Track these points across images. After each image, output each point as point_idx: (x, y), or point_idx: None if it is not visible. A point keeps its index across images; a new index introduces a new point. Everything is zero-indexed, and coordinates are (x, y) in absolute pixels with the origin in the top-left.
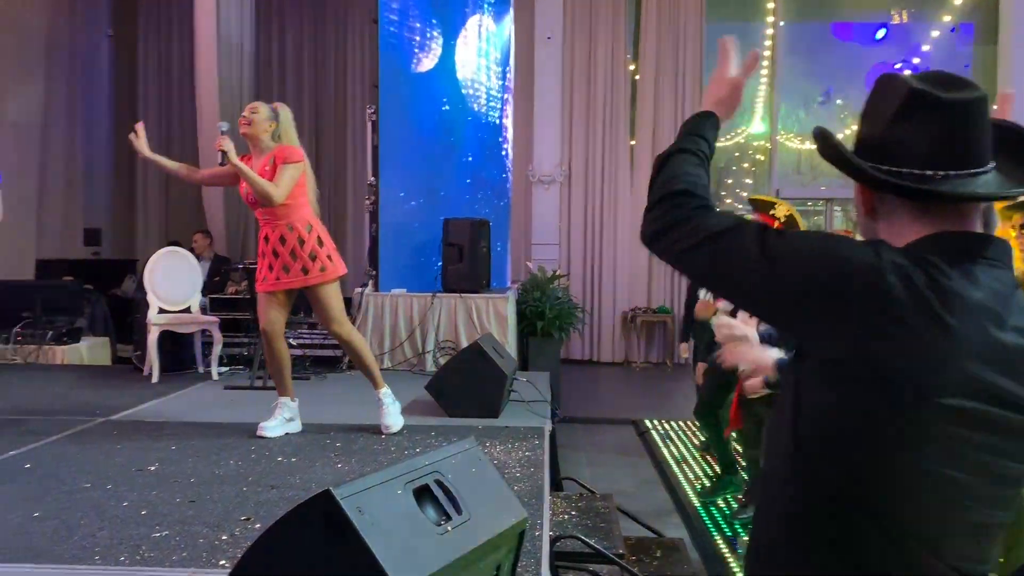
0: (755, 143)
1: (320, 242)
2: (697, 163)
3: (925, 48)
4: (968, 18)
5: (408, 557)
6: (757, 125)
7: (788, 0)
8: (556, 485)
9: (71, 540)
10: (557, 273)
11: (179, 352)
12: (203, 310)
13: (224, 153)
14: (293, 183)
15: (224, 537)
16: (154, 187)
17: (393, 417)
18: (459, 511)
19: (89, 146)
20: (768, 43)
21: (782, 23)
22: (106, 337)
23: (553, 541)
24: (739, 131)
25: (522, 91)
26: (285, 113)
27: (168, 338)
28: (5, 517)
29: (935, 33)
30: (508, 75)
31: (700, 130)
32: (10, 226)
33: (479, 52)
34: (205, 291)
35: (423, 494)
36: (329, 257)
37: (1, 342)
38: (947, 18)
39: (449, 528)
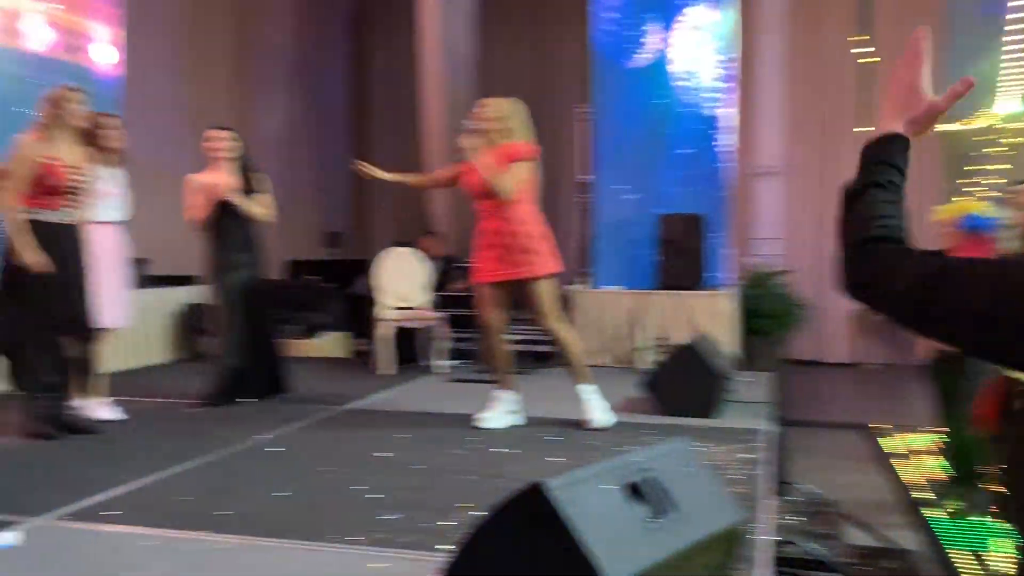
0: (1005, 124)
1: (537, 237)
2: (890, 199)
3: None
4: None
5: (619, 550)
6: (1008, 105)
7: None
8: (779, 489)
9: (312, 518)
10: (779, 269)
11: (408, 347)
12: (431, 307)
13: (468, 150)
14: (523, 180)
15: (449, 523)
16: (387, 192)
17: (597, 412)
18: (671, 508)
19: (330, 156)
20: (1018, 15)
21: None
22: (344, 332)
23: (778, 545)
24: (983, 113)
25: (743, 80)
26: (517, 108)
27: (398, 333)
28: (255, 494)
29: None
30: (728, 65)
31: (890, 158)
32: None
33: (697, 43)
34: (433, 289)
35: (634, 490)
36: (545, 252)
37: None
38: None
39: (661, 525)
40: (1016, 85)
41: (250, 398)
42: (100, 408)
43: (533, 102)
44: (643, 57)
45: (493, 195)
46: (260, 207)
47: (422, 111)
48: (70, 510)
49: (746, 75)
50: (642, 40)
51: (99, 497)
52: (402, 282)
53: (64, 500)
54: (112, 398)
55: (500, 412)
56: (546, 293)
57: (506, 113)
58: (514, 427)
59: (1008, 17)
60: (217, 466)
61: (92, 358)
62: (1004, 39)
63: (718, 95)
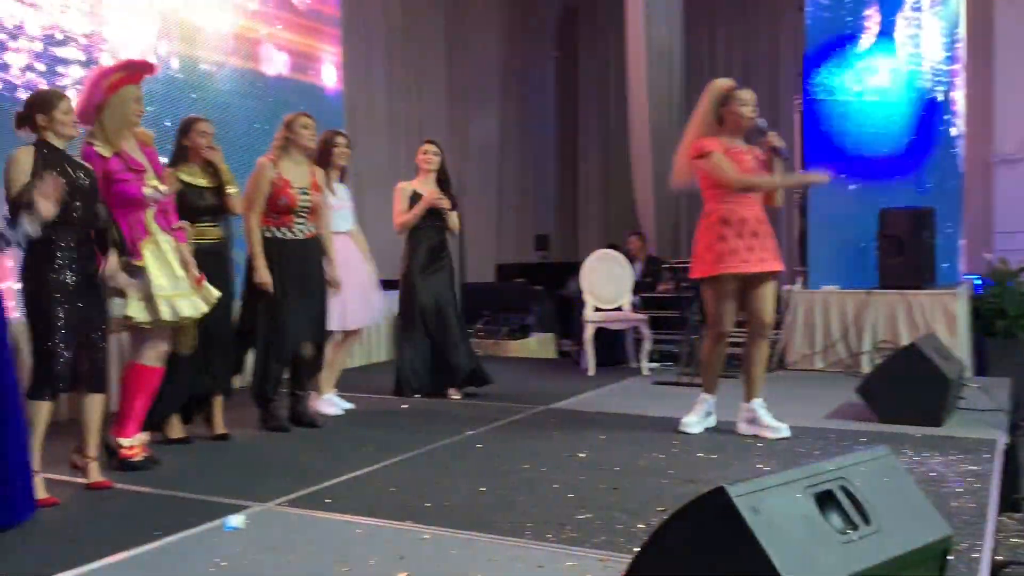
0: None
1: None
2: None
3: None
4: None
5: (806, 562)
6: None
7: None
8: (1012, 505)
9: (508, 514)
10: (1021, 265)
11: (613, 348)
12: (634, 308)
13: (776, 148)
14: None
15: (640, 525)
16: (595, 195)
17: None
18: (867, 521)
19: (538, 161)
20: None
21: None
22: (551, 333)
23: (998, 566)
24: None
25: (979, 62)
26: None
27: (603, 334)
28: (457, 489)
29: None
30: (958, 46)
31: None
32: (474, 236)
33: (922, 24)
34: (637, 290)
35: (827, 500)
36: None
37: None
38: None
39: (855, 537)
40: None
41: (435, 394)
42: (329, 403)
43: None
44: (863, 41)
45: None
46: (453, 219)
47: (629, 112)
48: (291, 497)
49: (983, 56)
50: (862, 23)
51: (317, 486)
52: (608, 284)
53: (286, 488)
54: (341, 393)
55: (701, 416)
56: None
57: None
58: (715, 432)
59: None
60: (424, 459)
61: (324, 359)
62: None
63: (947, 79)
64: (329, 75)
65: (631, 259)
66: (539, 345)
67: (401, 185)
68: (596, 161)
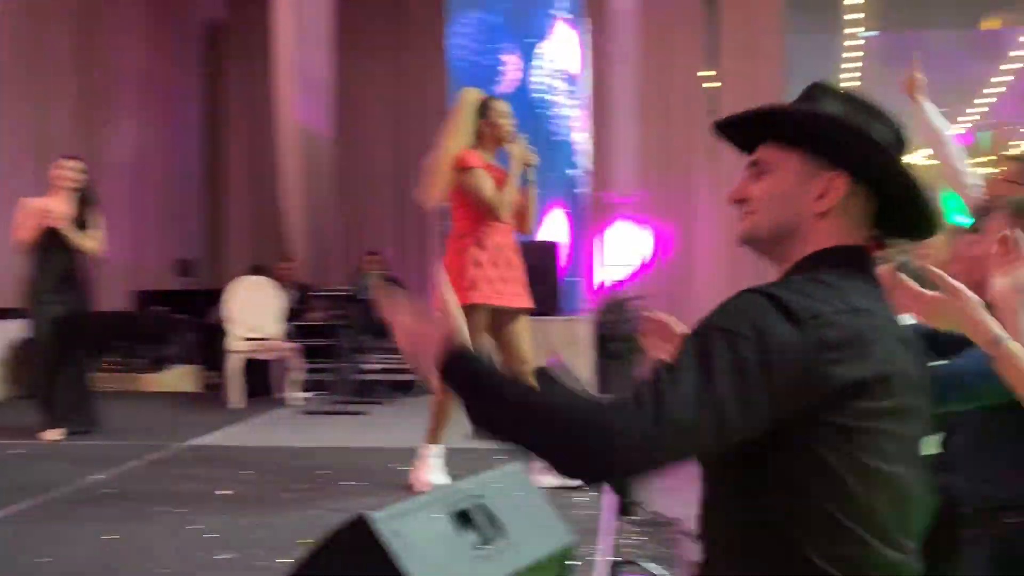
0: None
1: None
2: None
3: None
4: None
5: None
6: None
7: (875, 9)
8: (624, 510)
9: (142, 563)
10: (632, 295)
11: (261, 379)
12: (285, 337)
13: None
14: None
15: (284, 560)
16: (242, 217)
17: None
18: (501, 535)
19: (181, 181)
20: (853, 55)
21: (869, 33)
22: (195, 365)
23: (614, 567)
24: None
25: (598, 111)
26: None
27: (252, 365)
28: (83, 539)
29: None
30: (580, 95)
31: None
32: (107, 260)
33: (551, 74)
34: (288, 318)
35: (464, 518)
36: None
37: (94, 370)
38: None
39: (489, 551)
40: None
41: (62, 430)
42: None
43: (395, 128)
44: (505, 86)
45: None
46: (90, 240)
47: (278, 136)
48: None
49: (601, 107)
50: (499, 68)
51: None
52: (255, 311)
53: None
54: None
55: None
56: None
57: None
58: (359, 460)
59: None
60: (40, 510)
61: None
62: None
63: (572, 125)
64: None
65: (281, 286)
66: (181, 378)
67: (26, 200)
68: (245, 184)
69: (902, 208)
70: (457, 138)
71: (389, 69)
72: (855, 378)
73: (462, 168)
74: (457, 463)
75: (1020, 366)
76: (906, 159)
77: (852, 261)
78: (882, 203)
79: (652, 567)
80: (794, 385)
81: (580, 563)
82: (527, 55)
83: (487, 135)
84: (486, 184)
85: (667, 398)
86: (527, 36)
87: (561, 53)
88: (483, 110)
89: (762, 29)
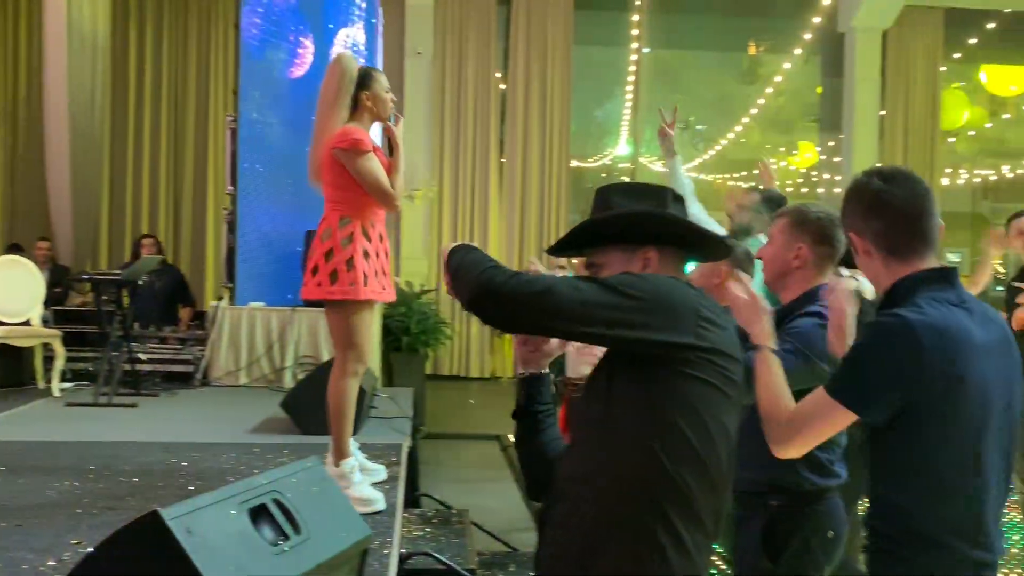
0: (620, 164)
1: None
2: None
3: (778, 79)
4: (816, 51)
5: None
6: (622, 147)
7: (653, 29)
8: (413, 502)
9: None
10: (424, 288)
11: (18, 367)
12: (45, 323)
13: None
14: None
15: (51, 563)
16: None
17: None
18: (297, 530)
19: None
20: (632, 68)
21: (646, 50)
22: None
23: (403, 558)
24: (605, 153)
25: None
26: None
27: (7, 352)
28: None
29: (787, 65)
30: None
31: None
32: None
33: (359, 58)
34: (47, 303)
35: (260, 514)
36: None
37: None
38: (798, 51)
39: (286, 548)
40: (627, 129)
41: None
42: None
43: (174, 103)
44: (299, 70)
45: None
46: None
47: (44, 103)
48: None
49: (397, 101)
50: (297, 52)
51: None
52: (12, 294)
53: None
54: None
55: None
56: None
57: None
58: (137, 455)
59: (630, 64)
60: None
61: None
62: (626, 87)
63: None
64: None
65: (41, 266)
66: None
67: None
68: (2, 150)
69: (698, 246)
70: (340, 111)
71: (167, 43)
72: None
73: (356, 150)
74: (239, 458)
75: (770, 370)
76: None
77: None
78: (685, 248)
79: (440, 558)
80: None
81: (371, 556)
82: (324, 41)
83: (367, 109)
84: (379, 169)
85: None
86: (325, 21)
87: (359, 43)
88: (365, 81)
89: (553, 37)
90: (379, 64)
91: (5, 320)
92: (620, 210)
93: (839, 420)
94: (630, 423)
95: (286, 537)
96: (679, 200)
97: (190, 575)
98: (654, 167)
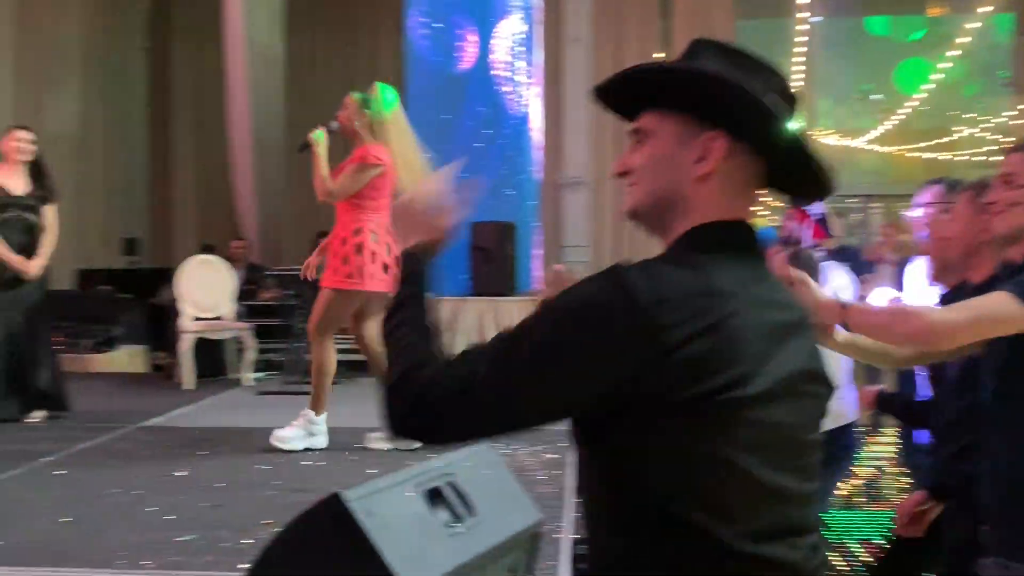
0: None
1: (359, 251)
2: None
3: (961, 40)
4: (1008, 9)
5: (418, 559)
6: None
7: None
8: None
9: (99, 544)
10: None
11: (213, 359)
12: (237, 317)
13: (306, 143)
14: (356, 184)
15: (248, 541)
16: (190, 195)
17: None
18: (472, 513)
19: (126, 158)
20: (801, 39)
21: (815, 18)
22: (143, 345)
23: (576, 543)
24: None
25: (551, 93)
26: (380, 98)
27: (202, 345)
28: (35, 522)
29: (972, 25)
30: (535, 75)
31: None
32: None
33: (508, 53)
34: (239, 298)
35: (436, 497)
36: (360, 270)
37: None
38: (986, 8)
39: (460, 529)
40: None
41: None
42: None
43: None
44: (464, 64)
45: (319, 194)
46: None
47: (229, 113)
48: None
49: (555, 88)
50: (458, 46)
51: None
52: (207, 291)
53: None
54: None
55: (303, 432)
56: (328, 303)
57: (353, 110)
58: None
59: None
60: None
61: None
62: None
63: (528, 105)
64: None
65: (233, 265)
66: (129, 358)
67: None
68: (192, 161)
69: (789, 168)
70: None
71: (341, 46)
72: (696, 358)
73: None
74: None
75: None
76: (790, 117)
77: (730, 239)
78: (770, 164)
79: None
80: (621, 364)
81: (544, 540)
82: (486, 33)
83: None
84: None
85: (473, 374)
86: (487, 14)
87: (519, 32)
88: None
89: (715, 12)
90: (537, 53)
91: (200, 315)
92: (701, 67)
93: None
94: None
95: (460, 519)
96: (791, 99)
97: (371, 555)
98: (827, 140)
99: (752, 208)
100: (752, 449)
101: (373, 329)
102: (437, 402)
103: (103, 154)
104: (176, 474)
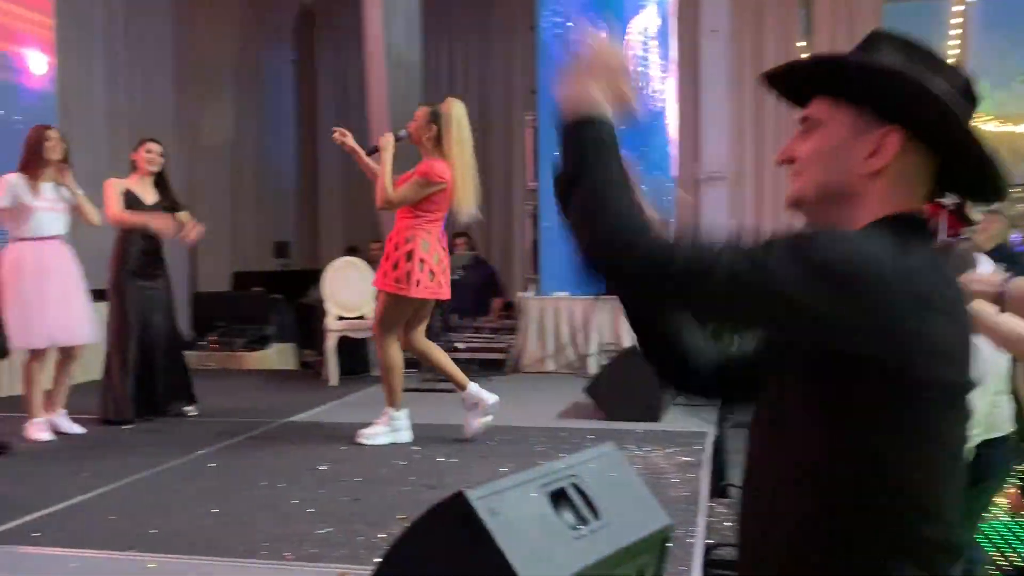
0: None
1: (409, 257)
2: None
3: None
4: None
5: (541, 560)
6: None
7: None
8: (719, 492)
9: (243, 535)
10: None
11: (357, 356)
12: None
13: (376, 148)
14: (416, 196)
15: (382, 535)
16: (336, 200)
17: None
18: (596, 515)
19: (276, 164)
20: (956, 20)
21: None
22: (292, 344)
23: (709, 549)
24: None
25: (687, 87)
26: (451, 112)
27: (346, 343)
28: (187, 511)
29: None
30: (671, 71)
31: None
32: (206, 242)
33: (643, 49)
34: None
35: (560, 498)
36: (408, 275)
37: (197, 349)
38: None
39: (585, 532)
40: None
41: (149, 415)
42: (40, 427)
43: (479, 108)
44: None
45: (377, 201)
46: (161, 223)
47: (369, 118)
48: None
49: (692, 81)
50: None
51: (21, 519)
52: (350, 291)
53: None
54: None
55: (386, 428)
56: (388, 307)
57: (421, 123)
58: (453, 437)
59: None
60: (149, 484)
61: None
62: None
63: (664, 100)
64: (37, 68)
65: (373, 266)
66: (279, 356)
67: (113, 181)
68: (337, 166)
69: (964, 168)
70: None
71: (476, 48)
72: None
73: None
74: (547, 442)
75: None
76: (971, 116)
77: (913, 232)
78: (943, 162)
79: None
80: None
81: (675, 545)
82: (620, 29)
83: None
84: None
85: (714, 243)
86: (620, 10)
87: (653, 27)
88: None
89: None
90: (672, 46)
91: (344, 314)
92: (881, 62)
93: None
94: None
95: (585, 521)
96: (972, 99)
97: (494, 554)
98: (987, 127)
99: (921, 207)
100: (959, 441)
101: (418, 333)
102: (674, 267)
103: (255, 163)
104: (318, 468)
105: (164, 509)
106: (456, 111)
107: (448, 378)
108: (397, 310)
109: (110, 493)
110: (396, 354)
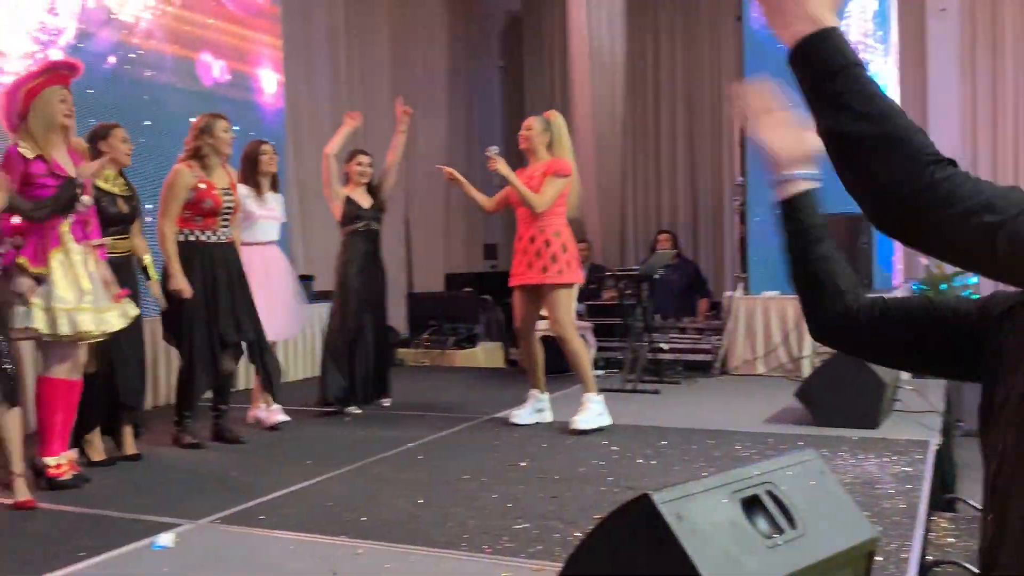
0: None
1: (564, 248)
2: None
3: None
4: None
5: (730, 568)
6: None
7: None
8: (943, 505)
9: (445, 526)
10: (956, 271)
11: (558, 356)
12: (579, 316)
13: (498, 172)
14: (557, 194)
15: (577, 534)
16: None
17: (586, 416)
18: (793, 525)
19: (485, 169)
20: None
21: None
22: (499, 342)
23: (928, 566)
24: None
25: (912, 70)
26: (558, 121)
27: (549, 343)
28: (395, 502)
29: None
30: (893, 54)
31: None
32: (422, 245)
33: (866, 32)
34: (582, 298)
35: (753, 505)
36: (568, 264)
37: (412, 347)
38: None
39: (780, 542)
40: None
41: (357, 406)
42: (278, 411)
43: (687, 103)
44: None
45: (530, 208)
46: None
47: (573, 121)
48: (223, 515)
49: (917, 64)
50: None
51: (250, 503)
52: None
53: (218, 506)
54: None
55: (529, 410)
56: (559, 300)
57: (538, 130)
58: (656, 439)
59: None
60: (363, 472)
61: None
62: None
63: (886, 84)
64: (268, 86)
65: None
66: (486, 355)
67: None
68: None
69: None
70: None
71: (680, 43)
72: None
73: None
74: (752, 447)
75: None
76: None
77: None
78: None
79: (973, 568)
80: None
81: (887, 560)
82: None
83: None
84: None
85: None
86: None
87: (873, 7)
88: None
89: None
90: (894, 25)
91: (545, 314)
92: None
93: None
94: None
95: (780, 531)
96: None
97: (680, 559)
98: None
99: None
100: None
101: (542, 321)
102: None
103: (465, 168)
104: (519, 464)
105: (374, 498)
106: (561, 120)
107: (532, 372)
108: (569, 298)
109: (327, 481)
110: (581, 342)
